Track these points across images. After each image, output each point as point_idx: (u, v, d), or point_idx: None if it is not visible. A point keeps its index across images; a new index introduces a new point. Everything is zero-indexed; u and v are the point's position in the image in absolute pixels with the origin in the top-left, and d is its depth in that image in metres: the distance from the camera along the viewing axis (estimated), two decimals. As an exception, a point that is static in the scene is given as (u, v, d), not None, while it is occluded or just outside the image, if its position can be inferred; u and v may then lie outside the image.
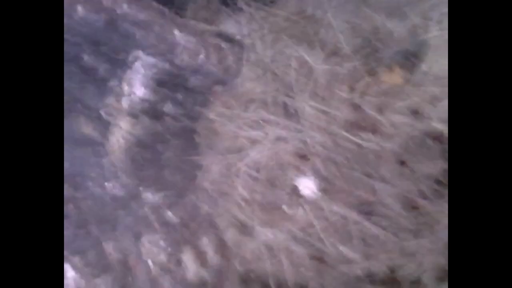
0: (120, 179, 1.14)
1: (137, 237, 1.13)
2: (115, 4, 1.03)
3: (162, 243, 1.13)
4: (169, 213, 1.12)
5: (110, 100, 1.13)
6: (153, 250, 1.11)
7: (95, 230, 1.09)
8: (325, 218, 1.12)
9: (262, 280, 1.12)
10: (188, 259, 1.12)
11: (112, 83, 1.16)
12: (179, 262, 1.12)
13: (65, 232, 1.08)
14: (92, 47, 1.07)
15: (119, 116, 1.12)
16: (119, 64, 1.17)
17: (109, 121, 1.10)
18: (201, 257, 1.12)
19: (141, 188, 1.15)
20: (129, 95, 1.10)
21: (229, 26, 1.22)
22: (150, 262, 1.10)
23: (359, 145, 1.14)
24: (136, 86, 1.11)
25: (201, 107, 1.18)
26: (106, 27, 1.12)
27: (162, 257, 1.11)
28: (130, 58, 1.17)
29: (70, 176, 1.11)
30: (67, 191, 1.09)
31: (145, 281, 1.08)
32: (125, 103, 1.12)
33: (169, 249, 1.11)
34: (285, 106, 1.18)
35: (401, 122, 1.13)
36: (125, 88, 1.12)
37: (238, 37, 1.21)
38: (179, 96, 1.13)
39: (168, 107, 1.13)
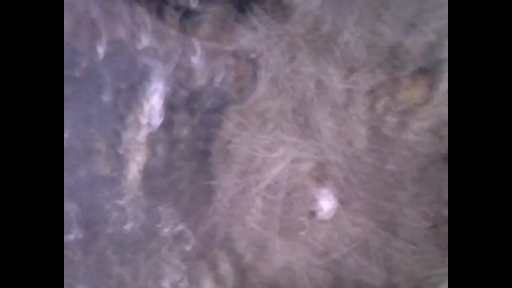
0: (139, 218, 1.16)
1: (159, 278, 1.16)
2: (134, 39, 1.06)
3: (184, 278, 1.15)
4: (192, 240, 1.16)
5: (128, 135, 1.16)
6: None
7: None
8: (345, 242, 1.15)
9: None
10: (208, 284, 1.17)
11: (130, 118, 1.19)
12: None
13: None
14: (112, 86, 1.11)
15: (136, 150, 1.15)
16: (137, 98, 1.20)
17: (126, 158, 1.13)
18: (222, 282, 1.17)
19: (159, 225, 1.18)
20: (147, 126, 1.13)
21: (244, 44, 1.26)
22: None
23: (379, 168, 1.17)
24: (154, 117, 1.14)
25: (215, 128, 1.21)
26: (126, 65, 1.16)
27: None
28: (149, 92, 1.19)
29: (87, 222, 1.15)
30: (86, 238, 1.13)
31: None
32: (142, 136, 1.15)
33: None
34: (301, 126, 1.22)
35: (420, 143, 1.16)
36: (143, 121, 1.15)
37: (253, 55, 1.25)
38: (195, 120, 1.16)
39: (183, 133, 1.17)
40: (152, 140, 1.16)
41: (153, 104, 1.16)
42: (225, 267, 1.18)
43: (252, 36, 1.24)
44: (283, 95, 1.25)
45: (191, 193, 1.19)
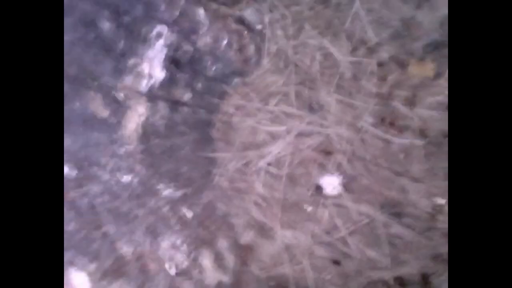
0: (139, 173, 1.15)
1: (155, 236, 1.14)
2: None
3: (179, 243, 1.13)
4: (187, 212, 1.15)
5: (129, 80, 1.16)
6: (170, 252, 1.14)
7: (110, 228, 1.12)
8: (351, 220, 1.14)
9: (283, 285, 1.14)
10: (206, 262, 1.15)
11: (132, 61, 1.17)
12: (197, 265, 1.15)
13: (75, 229, 1.10)
14: (113, 16, 1.09)
15: (137, 99, 1.15)
16: (141, 40, 1.18)
17: (126, 105, 1.13)
18: (218, 259, 1.15)
19: (160, 186, 1.18)
20: (149, 77, 1.13)
21: (250, 14, 1.27)
22: (167, 265, 1.13)
23: (387, 141, 1.17)
24: (156, 68, 1.15)
25: (219, 99, 1.22)
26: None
27: (180, 259, 1.14)
28: (153, 34, 1.20)
29: (81, 161, 1.13)
30: (78, 179, 1.12)
31: (163, 284, 1.11)
32: (144, 85, 1.16)
33: (187, 250, 1.12)
34: (308, 99, 1.22)
35: (433, 117, 1.16)
36: (146, 68, 1.16)
37: (259, 26, 1.26)
38: (199, 85, 1.16)
39: (187, 97, 1.17)
40: (153, 95, 1.16)
41: (156, 52, 1.16)
42: (224, 244, 1.17)
43: (258, 6, 1.25)
44: (289, 68, 1.25)
45: (192, 162, 1.19)
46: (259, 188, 1.19)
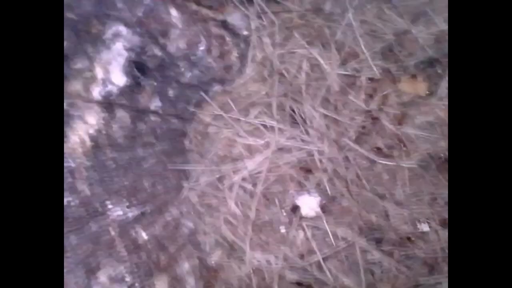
0: (82, 193, 1.12)
1: (93, 271, 1.15)
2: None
3: (123, 274, 1.17)
4: (143, 235, 1.24)
5: (75, 86, 1.16)
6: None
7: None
8: (327, 244, 1.31)
9: None
10: None
11: (80, 65, 1.15)
12: None
13: None
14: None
15: (86, 108, 1.16)
16: (92, 40, 1.14)
17: (70, 114, 1.12)
18: (176, 284, 1.30)
19: (108, 207, 1.18)
20: (104, 83, 1.18)
21: (236, 19, 1.45)
22: None
23: (372, 161, 1.34)
24: (114, 73, 1.19)
25: (194, 107, 1.39)
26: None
27: None
28: (108, 34, 1.18)
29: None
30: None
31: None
32: (96, 92, 1.18)
33: (137, 284, 1.17)
34: (291, 112, 1.39)
35: (422, 137, 1.33)
36: (99, 73, 1.20)
37: (245, 32, 1.44)
38: (170, 92, 1.32)
39: (155, 104, 1.30)
40: (111, 103, 1.22)
41: (114, 55, 1.22)
42: (185, 268, 1.33)
43: (245, 10, 1.43)
44: (273, 78, 1.43)
45: (156, 176, 1.34)
46: (231, 204, 1.35)
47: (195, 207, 1.30)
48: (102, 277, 1.12)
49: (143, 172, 1.26)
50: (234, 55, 1.36)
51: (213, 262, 1.29)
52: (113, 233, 1.18)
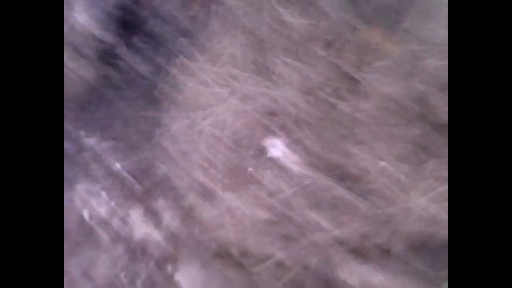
0: None
1: (70, 183, 1.28)
2: None
3: (104, 195, 1.31)
4: (118, 165, 1.37)
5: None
6: (90, 201, 1.34)
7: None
8: (294, 182, 1.45)
9: (224, 248, 1.43)
10: (137, 218, 1.42)
11: None
12: (125, 220, 1.42)
13: None
14: None
15: None
16: None
17: None
18: (155, 219, 1.43)
19: (82, 132, 1.29)
20: (67, 19, 1.23)
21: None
22: (86, 214, 1.35)
23: (334, 105, 1.48)
24: (77, 11, 1.24)
25: (163, 59, 1.50)
26: None
27: (102, 211, 1.37)
28: None
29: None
30: None
31: (77, 232, 1.32)
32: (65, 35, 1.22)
33: (113, 203, 1.31)
34: (255, 62, 1.51)
35: (380, 82, 1.47)
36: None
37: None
38: (136, 40, 1.42)
39: (121, 50, 1.37)
40: (77, 41, 1.31)
41: None
42: (162, 204, 1.46)
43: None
44: (237, 29, 1.54)
45: (126, 118, 1.45)
46: (202, 150, 1.47)
47: (168, 152, 1.40)
48: (80, 189, 1.23)
49: (114, 112, 1.34)
50: (198, 7, 1.43)
51: (187, 204, 1.38)
52: (88, 159, 1.25)
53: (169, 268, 1.36)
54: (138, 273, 1.33)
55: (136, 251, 1.37)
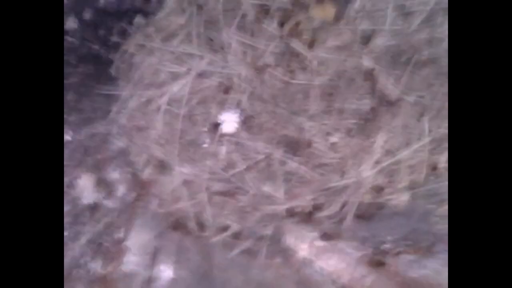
0: None
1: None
2: None
3: None
4: (68, 136, 1.46)
5: None
6: None
7: None
8: (248, 156, 1.60)
9: (181, 221, 1.58)
10: (86, 185, 1.56)
11: None
12: (72, 184, 1.53)
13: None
14: None
15: None
16: None
17: None
18: (108, 189, 1.56)
19: None
20: None
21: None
22: None
23: (286, 82, 1.63)
24: None
25: (118, 37, 1.64)
26: None
27: None
28: None
29: None
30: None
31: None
32: None
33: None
34: (210, 40, 1.66)
35: (331, 59, 1.64)
36: None
37: (162, -36, 1.67)
38: (87, 15, 1.54)
39: (71, 24, 1.45)
40: None
41: None
42: (116, 176, 1.59)
43: None
44: (192, 8, 1.69)
45: (82, 94, 1.57)
46: (159, 126, 1.62)
47: (125, 128, 1.54)
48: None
49: (66, 87, 1.44)
50: None
51: (143, 177, 1.52)
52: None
53: (120, 234, 1.43)
54: (82, 233, 1.41)
55: (83, 214, 1.46)
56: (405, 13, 1.53)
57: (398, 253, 1.28)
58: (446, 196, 1.33)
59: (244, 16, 1.63)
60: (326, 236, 1.39)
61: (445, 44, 1.50)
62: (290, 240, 1.39)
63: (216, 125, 1.58)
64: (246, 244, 1.44)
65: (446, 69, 1.44)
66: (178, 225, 1.53)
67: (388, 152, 1.51)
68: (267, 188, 1.52)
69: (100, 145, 1.45)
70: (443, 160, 1.40)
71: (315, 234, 1.41)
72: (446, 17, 1.52)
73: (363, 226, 1.45)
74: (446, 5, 1.47)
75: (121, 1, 1.53)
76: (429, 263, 1.22)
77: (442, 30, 1.50)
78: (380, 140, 1.46)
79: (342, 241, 1.35)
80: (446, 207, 1.27)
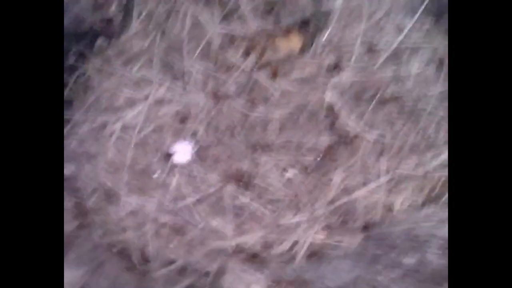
0: None
1: None
2: None
3: None
4: None
5: None
6: None
7: None
8: (198, 188, 1.63)
9: (125, 252, 1.60)
10: None
11: None
12: None
13: None
14: None
15: None
16: None
17: None
18: None
19: None
20: None
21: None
22: None
23: (246, 114, 1.67)
24: None
25: (75, 60, 1.70)
26: None
27: None
28: None
29: None
30: None
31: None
32: None
33: None
34: (171, 67, 1.71)
35: (294, 91, 1.67)
36: None
37: (128, -11, 1.73)
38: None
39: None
40: None
41: None
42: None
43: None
44: (157, 34, 1.75)
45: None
46: (110, 153, 1.66)
47: (74, 153, 1.58)
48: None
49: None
50: (114, 8, 1.63)
51: (90, 205, 1.55)
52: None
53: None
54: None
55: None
56: (371, 50, 1.52)
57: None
58: (397, 241, 1.32)
59: (208, 44, 1.67)
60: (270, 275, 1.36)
61: (409, 83, 1.48)
62: (228, 280, 1.38)
63: (168, 155, 1.56)
64: (189, 280, 1.41)
65: (408, 108, 1.45)
66: (120, 257, 1.46)
67: (344, 191, 1.45)
68: (216, 223, 1.47)
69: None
70: (398, 202, 1.39)
71: (259, 275, 1.37)
72: (411, 55, 1.59)
73: (311, 268, 1.38)
74: (412, 45, 1.48)
75: (80, 22, 1.48)
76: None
77: (407, 68, 1.50)
78: (336, 178, 1.44)
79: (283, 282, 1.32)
80: (394, 254, 1.27)
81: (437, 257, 1.14)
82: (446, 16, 1.49)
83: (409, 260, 1.20)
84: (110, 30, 1.64)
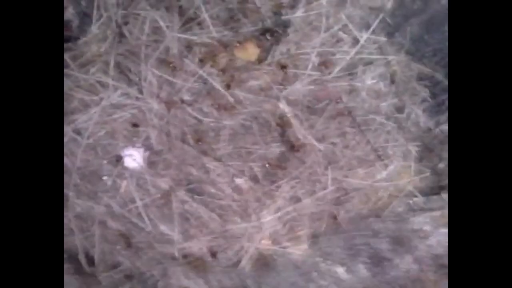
0: None
1: None
2: None
3: None
4: None
5: None
6: None
7: None
8: (149, 193, 1.73)
9: (72, 255, 1.69)
10: None
11: None
12: None
13: None
14: None
15: None
16: None
17: None
18: None
19: None
20: None
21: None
22: None
23: (199, 121, 1.77)
24: None
25: None
26: None
27: None
28: None
29: None
30: None
31: None
32: None
33: None
34: (128, 72, 1.81)
35: (248, 99, 1.77)
36: None
37: (90, -8, 1.82)
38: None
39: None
40: None
41: None
42: None
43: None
44: (115, 38, 1.85)
45: None
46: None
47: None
48: None
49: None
50: (70, 11, 1.74)
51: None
52: None
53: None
54: None
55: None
56: (327, 60, 1.62)
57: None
58: (337, 250, 1.41)
59: (166, 50, 1.73)
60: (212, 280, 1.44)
61: (363, 94, 1.61)
62: (172, 281, 1.46)
63: (118, 158, 1.62)
64: (133, 283, 1.49)
65: (360, 120, 1.55)
66: (66, 259, 1.57)
67: (292, 199, 1.57)
68: (163, 227, 1.55)
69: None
70: (342, 212, 1.49)
71: (202, 283, 1.46)
72: (365, 67, 1.72)
73: (255, 274, 1.47)
74: (366, 56, 1.59)
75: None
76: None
77: (361, 80, 1.60)
78: (285, 186, 1.53)
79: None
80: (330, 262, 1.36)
81: (363, 267, 1.23)
82: (399, 32, 1.58)
83: (340, 269, 1.27)
84: (66, 33, 1.68)
